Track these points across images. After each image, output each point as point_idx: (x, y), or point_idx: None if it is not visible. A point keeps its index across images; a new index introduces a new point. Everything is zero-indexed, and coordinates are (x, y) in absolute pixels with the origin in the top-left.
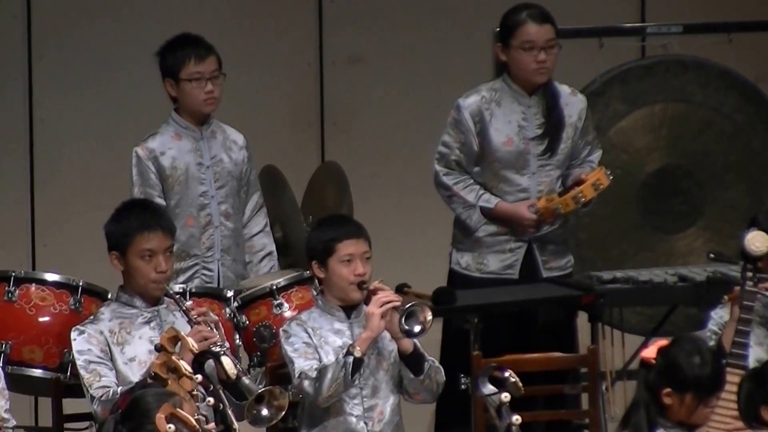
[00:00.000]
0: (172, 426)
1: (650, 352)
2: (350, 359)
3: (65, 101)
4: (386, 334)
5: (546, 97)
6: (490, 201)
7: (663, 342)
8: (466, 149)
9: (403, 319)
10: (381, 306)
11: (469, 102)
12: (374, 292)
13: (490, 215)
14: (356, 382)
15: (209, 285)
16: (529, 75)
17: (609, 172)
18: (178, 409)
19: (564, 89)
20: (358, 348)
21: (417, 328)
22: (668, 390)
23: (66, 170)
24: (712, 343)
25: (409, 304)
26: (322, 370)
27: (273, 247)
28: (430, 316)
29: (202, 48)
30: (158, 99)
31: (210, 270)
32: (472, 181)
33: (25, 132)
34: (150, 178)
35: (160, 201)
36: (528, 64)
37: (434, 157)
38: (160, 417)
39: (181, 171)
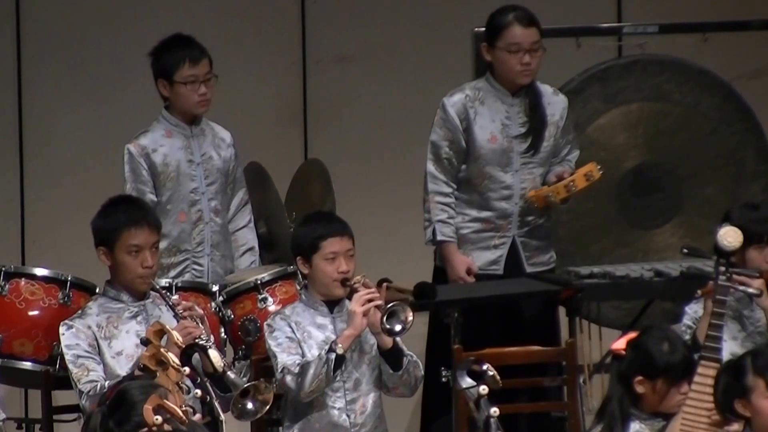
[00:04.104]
0: (159, 417)
1: (620, 344)
2: (332, 356)
3: (55, 99)
4: (367, 329)
5: (529, 96)
6: (443, 233)
7: (632, 335)
8: (455, 146)
9: (385, 319)
10: (363, 304)
11: (454, 100)
12: (356, 289)
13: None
14: (338, 378)
15: (199, 279)
16: (514, 76)
17: (600, 167)
18: (166, 401)
19: (546, 89)
20: (341, 345)
21: (398, 327)
22: (640, 378)
23: (55, 168)
24: (686, 337)
25: (391, 304)
26: (304, 366)
27: (255, 243)
28: (411, 316)
29: (196, 50)
30: (148, 96)
31: (200, 265)
32: (451, 199)
33: (15, 129)
34: (142, 174)
35: (152, 197)
36: (513, 66)
37: (427, 157)
38: (147, 408)
39: (173, 168)
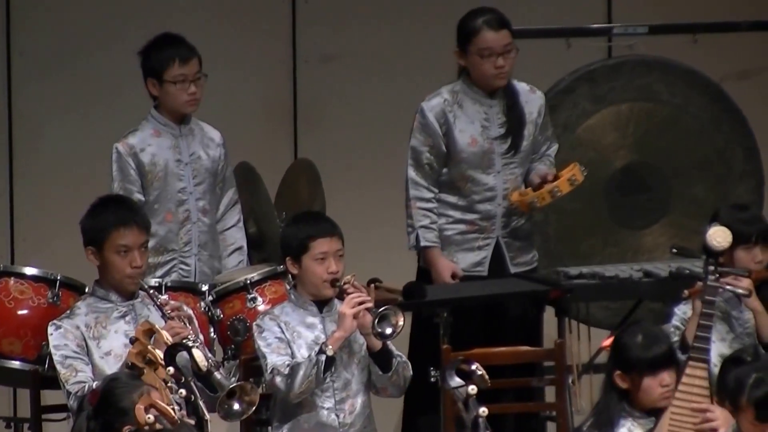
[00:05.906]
0: (151, 416)
1: (610, 342)
2: (323, 357)
3: (44, 96)
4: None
5: (506, 96)
6: (427, 238)
7: None
8: (435, 151)
9: (376, 322)
10: (353, 307)
11: (432, 104)
12: (346, 291)
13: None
14: (327, 379)
15: (186, 279)
16: (489, 80)
17: (584, 168)
18: (157, 400)
19: (523, 87)
20: (330, 347)
21: (389, 331)
22: (619, 372)
23: (45, 165)
24: (675, 338)
25: (382, 308)
26: (294, 367)
27: (244, 243)
28: (401, 321)
29: (186, 49)
30: (136, 93)
31: (187, 265)
32: (433, 204)
33: (4, 127)
34: (130, 173)
35: (139, 196)
36: (487, 71)
37: (407, 163)
38: (139, 408)
39: (161, 167)
